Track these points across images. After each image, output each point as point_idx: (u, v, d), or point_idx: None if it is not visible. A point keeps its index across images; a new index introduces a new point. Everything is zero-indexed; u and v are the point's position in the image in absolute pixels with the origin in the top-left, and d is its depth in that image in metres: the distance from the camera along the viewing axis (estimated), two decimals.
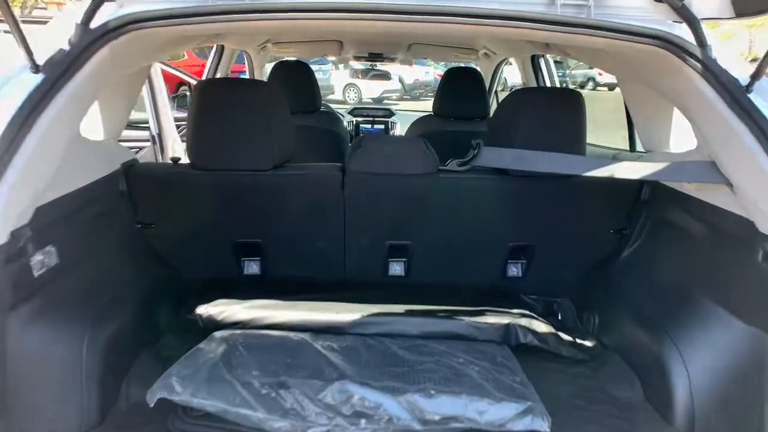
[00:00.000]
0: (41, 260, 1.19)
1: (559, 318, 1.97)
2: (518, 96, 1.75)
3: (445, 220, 1.84)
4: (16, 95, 1.08)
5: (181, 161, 1.76)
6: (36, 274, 1.18)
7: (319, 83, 2.97)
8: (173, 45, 1.60)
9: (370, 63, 4.37)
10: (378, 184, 1.75)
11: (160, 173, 1.75)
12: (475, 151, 1.69)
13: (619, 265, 1.86)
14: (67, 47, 1.15)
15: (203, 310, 1.73)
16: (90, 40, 1.15)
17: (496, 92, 3.71)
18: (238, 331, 1.63)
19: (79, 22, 1.15)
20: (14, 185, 1.03)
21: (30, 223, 1.13)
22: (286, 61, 3.05)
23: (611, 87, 10.53)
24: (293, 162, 1.81)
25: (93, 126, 1.66)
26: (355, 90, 15.36)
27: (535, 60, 2.94)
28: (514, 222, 1.85)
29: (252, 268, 1.92)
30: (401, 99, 15.86)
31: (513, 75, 5.04)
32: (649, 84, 1.52)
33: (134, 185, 1.70)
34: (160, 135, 2.92)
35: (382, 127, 4.29)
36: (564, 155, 1.61)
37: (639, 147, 2.20)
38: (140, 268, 1.71)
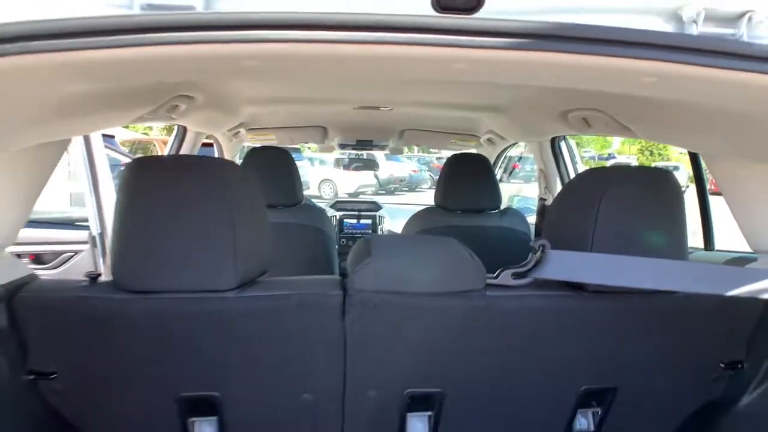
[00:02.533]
0: None
1: None
2: (595, 178, 1.27)
3: (493, 356, 1.27)
4: None
5: (102, 278, 1.18)
6: None
7: None
8: (97, 105, 1.08)
9: (355, 152, 3.96)
10: (397, 309, 1.19)
11: (65, 299, 1.15)
12: (537, 256, 1.18)
13: (738, 414, 1.30)
14: None
15: None
16: None
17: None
18: None
19: None
20: None
21: None
22: (262, 147, 2.58)
23: None
24: (268, 275, 1.26)
25: None
26: (331, 185, 15.30)
27: (555, 143, 2.54)
28: (591, 357, 1.30)
29: None
30: (376, 194, 15.83)
31: None
32: None
33: (23, 318, 1.10)
34: (102, 235, 2.35)
35: (368, 221, 3.79)
36: (675, 262, 1.11)
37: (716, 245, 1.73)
38: None
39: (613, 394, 1.33)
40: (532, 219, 2.96)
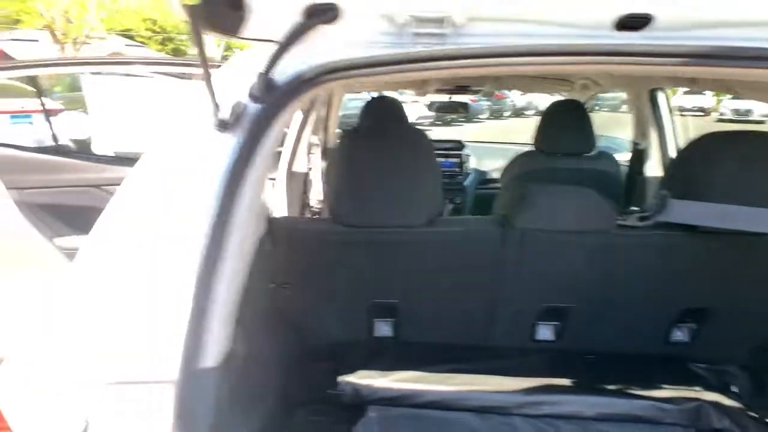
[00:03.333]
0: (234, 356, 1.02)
1: (737, 392, 1.72)
2: (716, 140, 1.54)
3: (615, 280, 1.62)
4: (215, 163, 0.92)
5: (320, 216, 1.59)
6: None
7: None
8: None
9: (448, 95, 4.16)
10: (545, 242, 1.54)
11: (304, 229, 1.58)
12: (661, 204, 1.48)
13: None
14: (249, 101, 0.99)
15: (347, 383, 1.53)
16: (282, 93, 0.99)
17: None
18: (396, 411, 1.43)
19: (262, 71, 0.99)
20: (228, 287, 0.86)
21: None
22: (380, 97, 2.89)
23: None
24: None
25: None
26: None
27: (653, 92, 2.72)
28: (693, 282, 1.62)
29: (383, 329, 1.73)
30: (433, 125, 15.80)
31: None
32: None
33: (277, 242, 1.53)
34: None
35: (456, 160, 4.08)
36: None
37: None
38: (277, 339, 1.53)
39: (708, 313, 1.66)
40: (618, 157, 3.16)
